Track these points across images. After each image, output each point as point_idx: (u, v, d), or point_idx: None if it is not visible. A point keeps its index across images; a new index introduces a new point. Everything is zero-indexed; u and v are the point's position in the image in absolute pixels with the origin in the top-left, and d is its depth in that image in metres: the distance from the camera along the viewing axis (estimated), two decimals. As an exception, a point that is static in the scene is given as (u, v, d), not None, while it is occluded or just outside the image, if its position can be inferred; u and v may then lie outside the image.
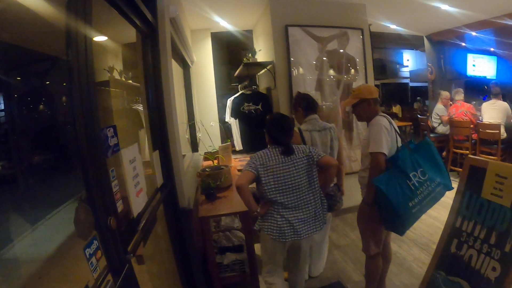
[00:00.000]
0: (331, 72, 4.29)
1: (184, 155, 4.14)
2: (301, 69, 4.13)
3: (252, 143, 4.39)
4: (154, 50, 2.30)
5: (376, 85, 10.39)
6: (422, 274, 2.70)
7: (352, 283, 3.15)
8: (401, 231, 2.42)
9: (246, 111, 4.24)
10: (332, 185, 2.86)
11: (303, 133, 2.76)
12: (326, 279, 3.23)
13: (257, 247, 2.78)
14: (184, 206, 2.42)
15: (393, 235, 2.74)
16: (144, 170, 1.87)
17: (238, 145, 4.58)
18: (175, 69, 4.56)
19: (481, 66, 9.20)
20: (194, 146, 4.81)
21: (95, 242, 1.13)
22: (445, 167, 2.48)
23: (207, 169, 3.35)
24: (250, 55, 4.35)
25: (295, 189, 2.25)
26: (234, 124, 4.49)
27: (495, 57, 9.52)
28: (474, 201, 2.44)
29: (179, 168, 2.41)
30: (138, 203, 1.69)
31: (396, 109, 11.70)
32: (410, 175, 2.26)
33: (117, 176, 1.41)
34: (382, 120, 2.37)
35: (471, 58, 8.90)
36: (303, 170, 2.27)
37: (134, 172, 1.66)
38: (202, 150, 4.56)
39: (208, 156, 3.98)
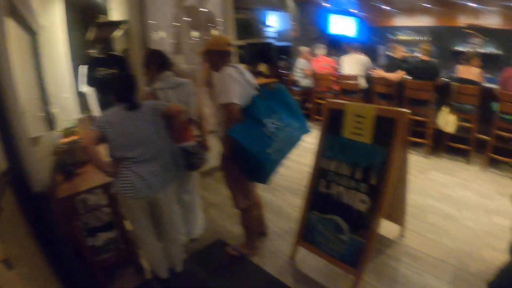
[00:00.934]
0: (191, 31, 4.17)
1: (38, 136, 3.76)
2: (157, 26, 3.92)
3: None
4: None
5: (242, 45, 10.58)
6: (298, 218, 2.91)
7: (233, 238, 3.28)
8: (263, 180, 2.51)
9: (101, 77, 3.92)
10: (194, 142, 2.88)
11: (156, 92, 2.68)
12: (206, 239, 3.30)
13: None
14: (37, 190, 2.19)
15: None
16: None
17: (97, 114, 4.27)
18: (18, 37, 4.02)
19: (343, 26, 10.01)
20: (51, 123, 4.36)
21: None
22: (300, 111, 2.62)
23: (63, 146, 3.09)
24: (101, 16, 4.02)
25: (142, 143, 2.27)
26: (91, 93, 4.15)
27: (356, 17, 10.41)
28: (337, 141, 2.67)
29: (27, 150, 2.16)
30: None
31: (262, 67, 12.18)
32: (265, 122, 2.29)
33: None
34: (229, 70, 2.38)
35: (333, 18, 9.59)
36: (150, 122, 2.31)
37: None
38: (62, 126, 4.15)
39: (64, 131, 3.64)
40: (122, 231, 2.77)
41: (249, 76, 2.52)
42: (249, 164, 2.32)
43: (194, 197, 3.24)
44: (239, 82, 2.34)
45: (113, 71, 3.89)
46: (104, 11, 4.14)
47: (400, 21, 9.83)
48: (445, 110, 4.95)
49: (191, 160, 2.80)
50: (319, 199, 2.77)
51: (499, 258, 2.80)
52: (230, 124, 2.28)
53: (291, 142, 2.49)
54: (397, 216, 3.19)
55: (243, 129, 2.24)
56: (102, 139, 2.20)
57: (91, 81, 3.98)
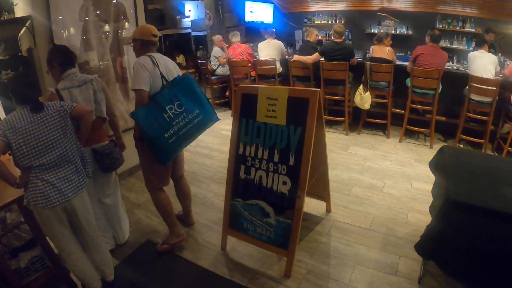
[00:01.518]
0: (101, 25, 3.83)
1: None
2: (64, 22, 3.53)
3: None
4: None
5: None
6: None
7: (162, 236, 3.14)
8: (163, 160, 2.56)
9: (6, 80, 3.40)
10: (106, 142, 2.71)
11: (60, 92, 2.46)
12: (135, 241, 3.12)
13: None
14: None
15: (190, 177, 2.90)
16: None
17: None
18: None
19: (259, 13, 10.04)
20: None
21: None
22: (206, 99, 2.73)
23: None
24: (4, 13, 3.58)
25: (50, 148, 2.06)
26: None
27: (272, 4, 10.51)
28: (251, 126, 2.64)
29: None
30: None
31: (180, 59, 12.15)
32: (166, 108, 2.45)
33: None
34: (143, 59, 2.48)
35: (248, 5, 9.59)
36: (56, 126, 2.09)
37: None
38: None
39: None
40: (46, 247, 2.46)
41: (169, 64, 2.67)
42: (150, 146, 2.48)
43: (117, 199, 3.00)
44: (149, 71, 2.44)
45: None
46: (9, 8, 3.65)
47: (315, 6, 10.08)
48: (361, 88, 5.19)
49: (104, 161, 2.63)
50: (241, 185, 2.73)
51: (423, 220, 3.02)
52: (138, 107, 2.44)
53: (195, 127, 2.58)
54: (322, 193, 3.28)
55: (146, 114, 2.40)
56: (6, 148, 1.95)
57: None
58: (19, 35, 4.16)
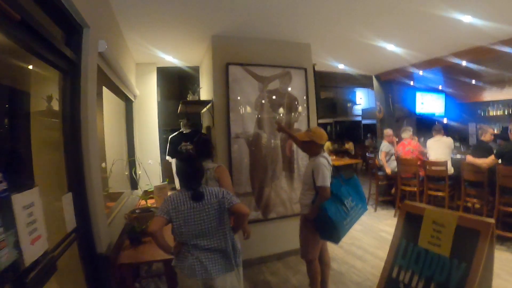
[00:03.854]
0: (272, 111, 4.27)
1: (122, 193, 4.00)
2: (240, 109, 4.09)
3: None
4: (74, 85, 2.22)
5: (327, 123, 10.67)
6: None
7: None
8: (337, 240, 3.01)
9: (184, 151, 4.12)
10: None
11: None
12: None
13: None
14: (101, 252, 2.27)
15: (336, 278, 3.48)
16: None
17: (178, 185, 4.44)
18: (115, 103, 4.45)
19: (430, 104, 9.64)
20: (134, 183, 4.66)
21: None
22: (364, 194, 3.24)
23: (136, 211, 3.21)
24: (191, 92, 4.33)
25: (205, 234, 2.26)
26: (174, 164, 4.36)
27: (443, 94, 10.02)
28: (411, 250, 2.42)
29: (96, 211, 2.27)
30: (32, 251, 1.55)
31: (349, 145, 12.09)
32: (344, 202, 2.99)
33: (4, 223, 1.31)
34: (323, 161, 3.02)
35: (419, 96, 9.31)
36: (214, 216, 2.29)
37: (29, 219, 1.54)
38: (145, 187, 4.40)
39: (141, 196, 3.82)
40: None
41: (330, 160, 3.17)
42: (328, 229, 2.92)
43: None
44: (328, 169, 3.02)
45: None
46: (195, 90, 4.45)
47: (490, 95, 9.26)
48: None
49: None
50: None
51: None
52: (323, 199, 2.93)
53: (357, 218, 3.11)
54: None
55: (333, 206, 2.92)
56: (167, 224, 2.23)
57: (172, 153, 4.17)
58: (202, 111, 4.85)
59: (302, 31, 4.20)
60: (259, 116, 4.19)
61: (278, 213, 4.30)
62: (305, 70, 4.53)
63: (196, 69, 5.65)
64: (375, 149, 11.97)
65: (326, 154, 3.14)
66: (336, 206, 2.93)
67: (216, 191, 2.34)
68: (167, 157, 4.38)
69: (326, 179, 2.96)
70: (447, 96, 10.13)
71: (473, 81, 9.15)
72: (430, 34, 4.61)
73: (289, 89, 4.40)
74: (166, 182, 4.13)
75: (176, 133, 4.27)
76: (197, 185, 2.31)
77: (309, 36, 4.43)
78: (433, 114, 9.75)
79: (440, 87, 9.85)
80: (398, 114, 8.50)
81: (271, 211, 4.26)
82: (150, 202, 3.78)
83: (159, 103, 5.41)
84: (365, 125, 14.09)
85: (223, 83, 4.03)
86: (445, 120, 10.21)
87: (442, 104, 10.04)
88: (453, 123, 10.17)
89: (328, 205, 2.90)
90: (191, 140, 4.00)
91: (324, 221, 2.91)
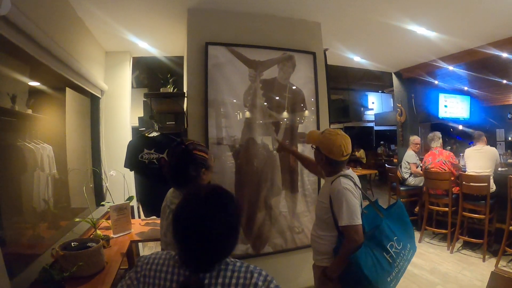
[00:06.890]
0: (268, 108, 3.27)
1: (85, 208, 3.16)
2: (223, 104, 3.11)
3: (154, 207, 2.74)
4: None
5: (336, 129, 9.70)
6: None
7: None
8: None
9: (146, 161, 2.87)
10: None
11: None
12: None
13: None
14: None
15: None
16: None
17: (142, 213, 3.56)
18: (80, 101, 3.63)
19: (454, 107, 8.62)
20: (100, 197, 3.75)
21: None
22: (412, 228, 2.23)
23: (72, 244, 2.21)
24: (167, 85, 3.36)
25: None
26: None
27: (469, 97, 9.03)
28: None
29: None
30: None
31: (360, 153, 11.50)
32: (387, 247, 2.00)
33: None
34: (346, 183, 2.04)
35: (442, 98, 8.27)
36: None
37: None
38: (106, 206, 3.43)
39: (87, 220, 2.81)
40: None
41: (357, 180, 2.18)
42: None
43: None
44: (356, 196, 2.04)
45: (162, 156, 2.85)
46: (163, 79, 3.52)
47: None
48: None
49: None
50: None
51: None
52: (353, 247, 1.95)
53: (405, 266, 2.11)
54: None
55: (367, 255, 1.94)
56: None
57: (130, 163, 2.97)
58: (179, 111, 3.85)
59: (310, 4, 3.23)
60: (250, 114, 3.18)
61: (275, 247, 3.26)
62: (314, 54, 3.50)
63: (181, 60, 4.65)
64: (390, 157, 11.14)
65: (349, 171, 2.17)
66: (374, 256, 1.95)
67: (242, 280, 1.05)
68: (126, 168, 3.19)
69: (354, 213, 1.97)
70: (472, 98, 9.12)
71: (504, 81, 8.08)
72: (476, 14, 3.62)
73: (291, 80, 3.36)
74: (127, 201, 3.09)
75: (138, 136, 3.04)
76: (199, 263, 1.08)
77: (319, 13, 3.45)
78: (457, 119, 8.70)
79: (466, 88, 8.82)
80: (419, 118, 7.39)
81: (265, 243, 3.22)
82: (104, 226, 2.91)
83: (134, 100, 4.50)
84: (376, 131, 13.41)
85: (201, 69, 3.04)
86: (460, 127, 9.40)
87: (467, 107, 9.01)
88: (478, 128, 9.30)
89: (361, 257, 1.91)
90: (157, 147, 2.87)
91: (356, 281, 1.95)
